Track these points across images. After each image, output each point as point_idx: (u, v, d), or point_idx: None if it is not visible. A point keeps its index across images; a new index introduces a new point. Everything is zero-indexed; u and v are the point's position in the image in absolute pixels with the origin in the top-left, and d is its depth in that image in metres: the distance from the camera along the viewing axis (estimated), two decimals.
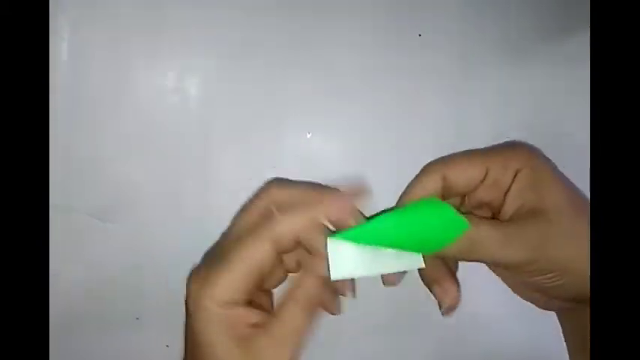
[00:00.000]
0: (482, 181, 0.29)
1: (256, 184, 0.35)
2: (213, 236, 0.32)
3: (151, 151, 0.34)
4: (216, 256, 0.27)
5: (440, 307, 0.29)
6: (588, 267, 0.24)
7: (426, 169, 0.29)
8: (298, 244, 0.26)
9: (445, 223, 0.26)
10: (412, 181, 0.29)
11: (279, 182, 0.30)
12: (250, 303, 0.26)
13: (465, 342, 0.39)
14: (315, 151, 0.35)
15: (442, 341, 0.39)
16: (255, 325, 0.26)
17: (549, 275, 0.27)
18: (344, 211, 0.26)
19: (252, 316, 0.26)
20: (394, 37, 0.35)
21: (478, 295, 0.38)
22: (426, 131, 0.36)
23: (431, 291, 0.29)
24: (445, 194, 0.29)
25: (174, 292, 0.32)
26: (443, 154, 0.36)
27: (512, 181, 0.28)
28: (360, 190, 0.28)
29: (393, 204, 0.36)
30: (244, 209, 0.29)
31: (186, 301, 0.27)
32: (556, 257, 0.26)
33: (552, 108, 0.36)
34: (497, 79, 0.36)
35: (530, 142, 0.34)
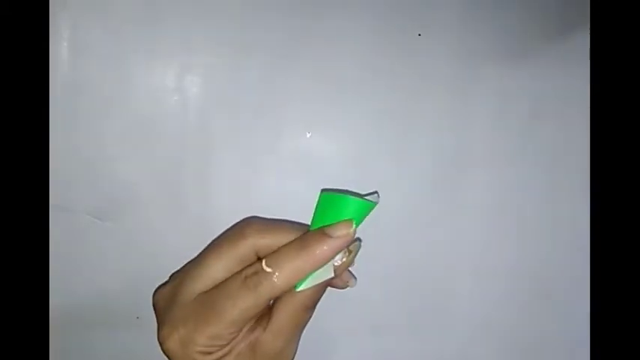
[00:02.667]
0: None
1: (256, 183, 0.35)
2: (214, 236, 0.32)
3: (151, 151, 0.34)
4: (192, 311, 0.26)
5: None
6: None
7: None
8: None
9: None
10: None
11: (254, 226, 0.28)
12: None
13: (465, 342, 0.39)
14: (315, 151, 0.35)
15: (442, 341, 0.39)
16: (252, 330, 0.27)
17: None
18: (335, 253, 0.26)
19: (246, 329, 0.27)
20: (394, 37, 0.35)
21: (478, 295, 0.38)
22: (425, 131, 0.36)
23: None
24: None
25: None
26: (443, 154, 0.36)
27: None
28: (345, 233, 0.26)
29: (393, 204, 0.36)
30: (218, 254, 0.28)
31: (167, 356, 0.27)
32: None
33: (552, 108, 0.36)
34: (497, 79, 0.36)
35: (530, 142, 0.34)
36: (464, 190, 0.37)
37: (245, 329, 0.27)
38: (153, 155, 0.34)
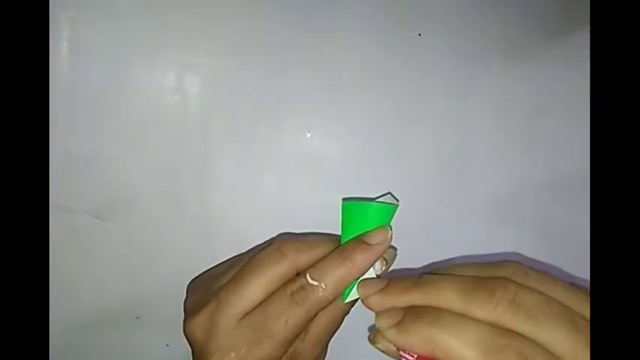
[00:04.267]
0: None
1: (256, 183, 0.35)
2: (214, 236, 0.32)
3: (150, 151, 0.34)
4: (243, 334, 0.26)
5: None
6: None
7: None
8: None
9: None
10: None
11: (291, 244, 0.28)
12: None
13: None
14: (315, 151, 0.35)
15: None
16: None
17: None
18: (374, 260, 0.27)
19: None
20: (394, 37, 0.35)
21: None
22: (425, 131, 0.36)
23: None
24: None
25: (175, 291, 0.32)
26: (443, 154, 0.36)
27: None
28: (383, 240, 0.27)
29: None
30: (257, 275, 0.27)
31: None
32: None
33: (552, 108, 0.36)
34: (497, 79, 0.36)
35: (531, 141, 0.34)
36: (464, 189, 0.37)
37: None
38: (153, 155, 0.34)
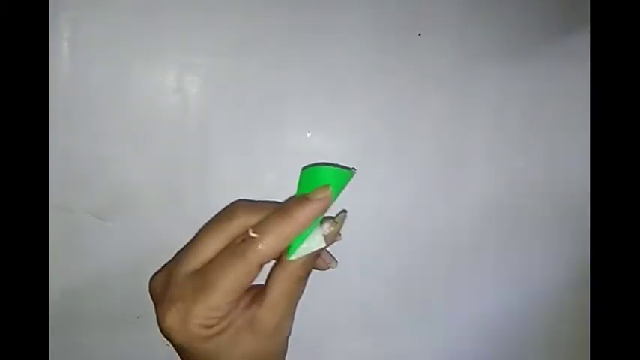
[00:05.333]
0: None
1: (256, 184, 0.35)
2: None
3: (151, 151, 0.34)
4: (190, 286, 0.27)
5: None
6: None
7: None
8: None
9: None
10: None
11: (243, 203, 0.30)
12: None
13: (465, 342, 0.39)
14: (315, 151, 0.35)
15: (442, 341, 0.39)
16: (248, 304, 0.28)
17: None
18: (315, 217, 0.27)
19: (242, 304, 0.28)
20: (394, 37, 0.35)
21: (477, 296, 0.38)
22: (425, 130, 0.36)
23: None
24: None
25: None
26: (443, 154, 0.36)
27: None
28: (324, 196, 0.27)
29: (393, 203, 0.36)
30: (209, 232, 0.29)
31: (168, 337, 0.27)
32: None
33: (552, 107, 0.36)
34: (497, 79, 0.36)
35: (530, 140, 0.34)
36: (463, 189, 0.37)
37: (242, 305, 0.27)
38: (153, 155, 0.34)
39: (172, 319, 0.26)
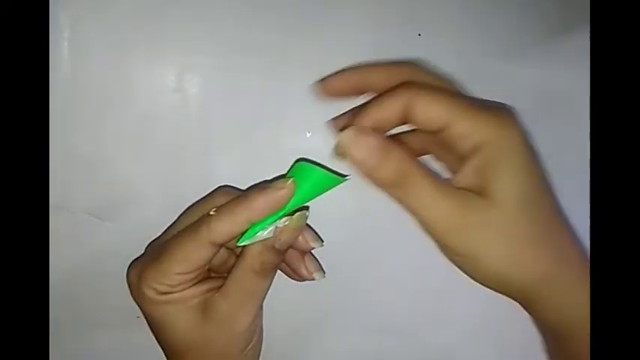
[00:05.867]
0: (440, 131, 0.26)
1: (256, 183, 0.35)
2: None
3: (151, 150, 0.34)
4: (154, 252, 0.29)
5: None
6: (503, 266, 0.24)
7: (394, 93, 0.26)
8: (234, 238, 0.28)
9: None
10: (375, 99, 0.27)
11: (225, 189, 0.32)
12: (203, 280, 0.29)
13: (465, 341, 0.39)
14: (315, 151, 0.35)
15: (442, 341, 0.39)
16: (209, 290, 0.28)
17: (456, 257, 0.26)
18: (273, 206, 0.27)
19: (203, 288, 0.28)
20: (394, 36, 0.35)
21: (478, 296, 0.38)
22: None
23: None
24: (398, 123, 0.27)
25: None
26: None
27: (472, 151, 0.25)
28: (285, 186, 0.27)
29: (392, 203, 0.36)
30: (187, 212, 0.31)
31: (131, 294, 0.29)
32: (471, 244, 0.25)
33: (552, 107, 0.36)
34: (496, 79, 0.36)
35: (530, 141, 0.34)
36: None
37: (203, 287, 0.28)
38: (153, 155, 0.34)
39: (132, 276, 0.29)
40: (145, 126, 0.34)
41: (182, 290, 0.28)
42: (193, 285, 0.28)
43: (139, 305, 0.29)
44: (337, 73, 0.30)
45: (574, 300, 0.25)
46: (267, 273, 0.28)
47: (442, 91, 0.26)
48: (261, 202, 0.26)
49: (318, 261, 0.32)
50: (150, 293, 0.28)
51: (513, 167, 0.24)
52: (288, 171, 0.29)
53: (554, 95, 0.36)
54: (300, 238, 0.30)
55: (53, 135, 0.29)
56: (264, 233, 0.27)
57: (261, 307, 0.30)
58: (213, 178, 0.35)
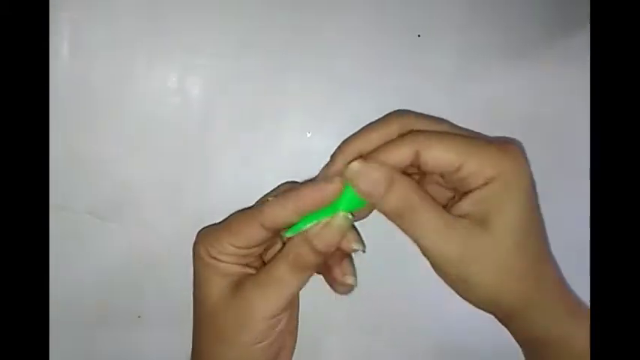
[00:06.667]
0: (451, 173, 0.27)
1: (256, 184, 0.35)
2: None
3: (151, 151, 0.34)
4: (224, 221, 0.30)
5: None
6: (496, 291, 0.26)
7: (403, 141, 0.27)
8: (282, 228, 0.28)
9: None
10: (387, 145, 0.28)
11: (290, 183, 0.32)
12: (247, 265, 0.29)
13: (464, 341, 0.39)
14: (315, 151, 0.35)
15: (441, 341, 0.39)
16: (246, 274, 0.29)
17: (451, 282, 0.28)
18: (320, 199, 0.27)
19: (245, 269, 0.29)
20: (394, 37, 0.35)
21: None
22: None
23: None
24: (408, 168, 0.28)
25: (175, 291, 0.32)
26: None
27: (480, 186, 0.26)
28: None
29: None
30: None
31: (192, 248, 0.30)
32: (467, 273, 0.27)
33: (552, 108, 0.36)
34: (496, 80, 0.36)
35: (530, 141, 0.34)
36: None
37: (248, 270, 0.29)
38: (154, 155, 0.34)
39: (199, 235, 0.30)
40: (145, 126, 0.34)
41: (229, 263, 0.28)
42: (241, 265, 0.29)
43: (193, 263, 0.30)
44: (336, 150, 0.30)
45: (550, 319, 0.28)
46: (298, 268, 0.28)
47: (448, 135, 0.28)
48: (308, 193, 0.27)
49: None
50: (202, 251, 0.29)
51: (516, 203, 0.26)
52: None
53: (554, 95, 0.36)
54: (336, 270, 0.30)
55: (53, 135, 0.29)
56: (308, 227, 0.27)
57: (293, 315, 0.30)
58: (213, 179, 0.35)
